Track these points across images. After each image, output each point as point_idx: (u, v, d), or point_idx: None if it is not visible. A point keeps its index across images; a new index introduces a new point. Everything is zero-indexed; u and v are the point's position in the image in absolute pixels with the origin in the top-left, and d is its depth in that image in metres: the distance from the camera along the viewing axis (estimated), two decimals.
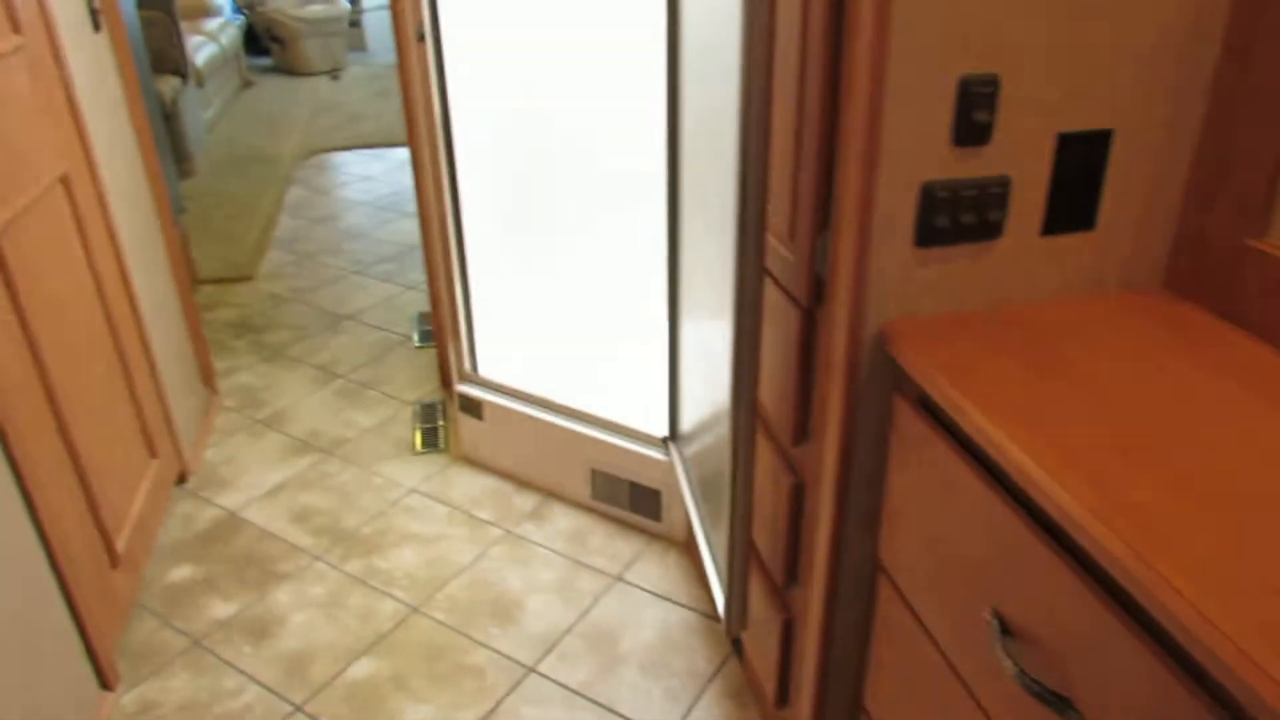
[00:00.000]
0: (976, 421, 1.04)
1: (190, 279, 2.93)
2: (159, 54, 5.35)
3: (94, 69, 2.38)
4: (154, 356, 2.50)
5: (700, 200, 1.79)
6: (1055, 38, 1.15)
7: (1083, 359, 1.15)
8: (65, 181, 2.08)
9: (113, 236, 2.31)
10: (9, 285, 1.76)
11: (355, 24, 8.79)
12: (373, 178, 5.47)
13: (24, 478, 1.72)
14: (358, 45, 8.89)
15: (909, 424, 1.24)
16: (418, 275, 4.07)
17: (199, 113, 5.97)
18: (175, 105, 5.30)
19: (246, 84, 7.75)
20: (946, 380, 1.12)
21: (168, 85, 5.28)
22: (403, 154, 5.91)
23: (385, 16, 9.11)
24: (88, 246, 2.15)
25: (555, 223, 2.93)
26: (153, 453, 2.42)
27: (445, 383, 3.10)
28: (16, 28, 1.92)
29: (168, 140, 4.59)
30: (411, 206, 4.92)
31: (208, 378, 3.02)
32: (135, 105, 2.62)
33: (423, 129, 2.56)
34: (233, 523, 2.45)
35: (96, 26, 2.45)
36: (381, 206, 4.95)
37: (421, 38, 2.22)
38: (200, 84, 6.15)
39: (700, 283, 1.87)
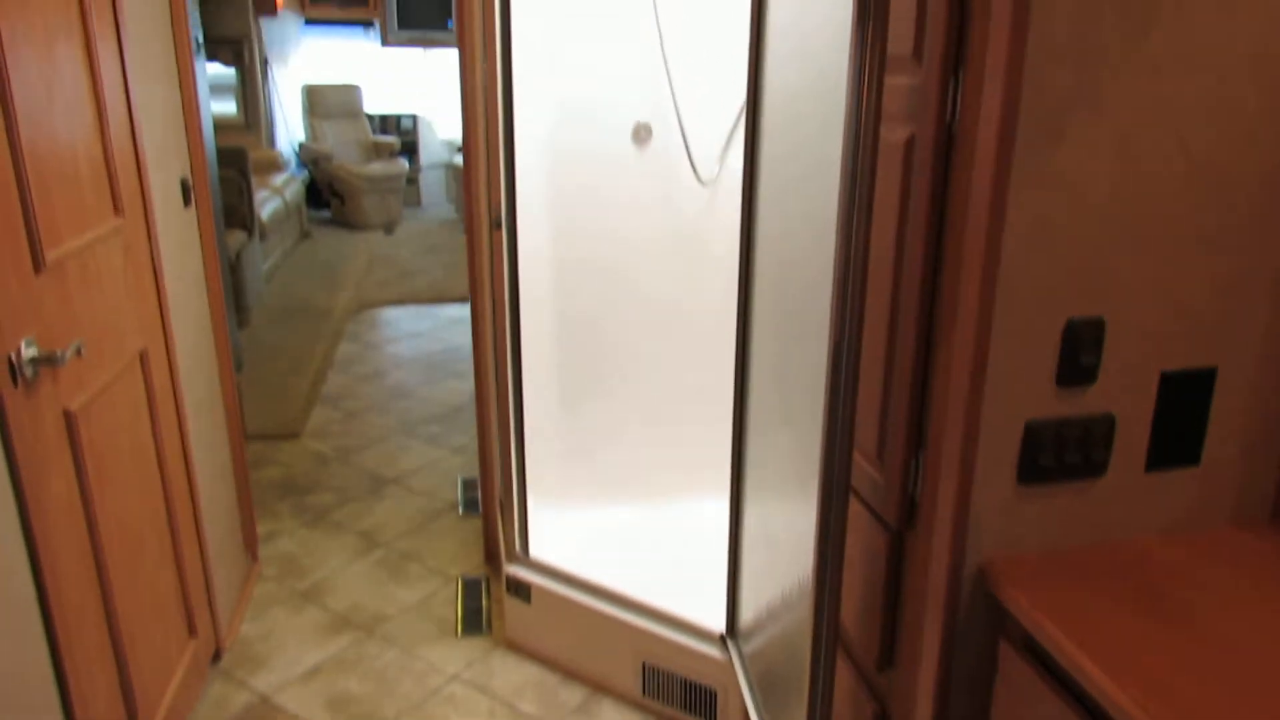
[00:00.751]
0: (1099, 683, 0.97)
1: (243, 439, 2.94)
2: (229, 210, 5.60)
3: (180, 242, 2.47)
4: (204, 528, 2.48)
5: (772, 386, 1.77)
6: (1160, 278, 1.14)
7: (1201, 605, 1.09)
8: (143, 357, 2.11)
9: (179, 410, 2.33)
10: (79, 466, 1.77)
11: (412, 181, 9.21)
12: (422, 334, 5.57)
13: (62, 659, 1.67)
14: (412, 201, 9.29)
15: (1017, 673, 1.16)
16: (463, 438, 4.07)
17: (259, 264, 6.18)
18: (239, 259, 5.50)
19: (305, 235, 8.06)
20: (1059, 630, 1.06)
21: (234, 239, 5.50)
22: (452, 311, 6.04)
23: (441, 174, 9.54)
24: (156, 421, 2.17)
25: (616, 396, 2.95)
26: (192, 630, 2.36)
27: (490, 557, 3.03)
28: (118, 209, 2.00)
29: (231, 294, 4.75)
30: (459, 366, 4.99)
31: (250, 544, 2.98)
32: (213, 275, 2.71)
33: (488, 315, 2.61)
34: (265, 711, 2.35)
35: (187, 201, 2.56)
36: (430, 365, 5.02)
37: (499, 225, 2.29)
38: (263, 237, 6.40)
39: (769, 470, 1.83)
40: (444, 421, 4.27)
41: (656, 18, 2.58)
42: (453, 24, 8.78)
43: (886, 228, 1.30)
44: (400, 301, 6.26)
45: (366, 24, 8.91)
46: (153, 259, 2.20)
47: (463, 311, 6.05)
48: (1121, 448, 1.22)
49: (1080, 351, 1.13)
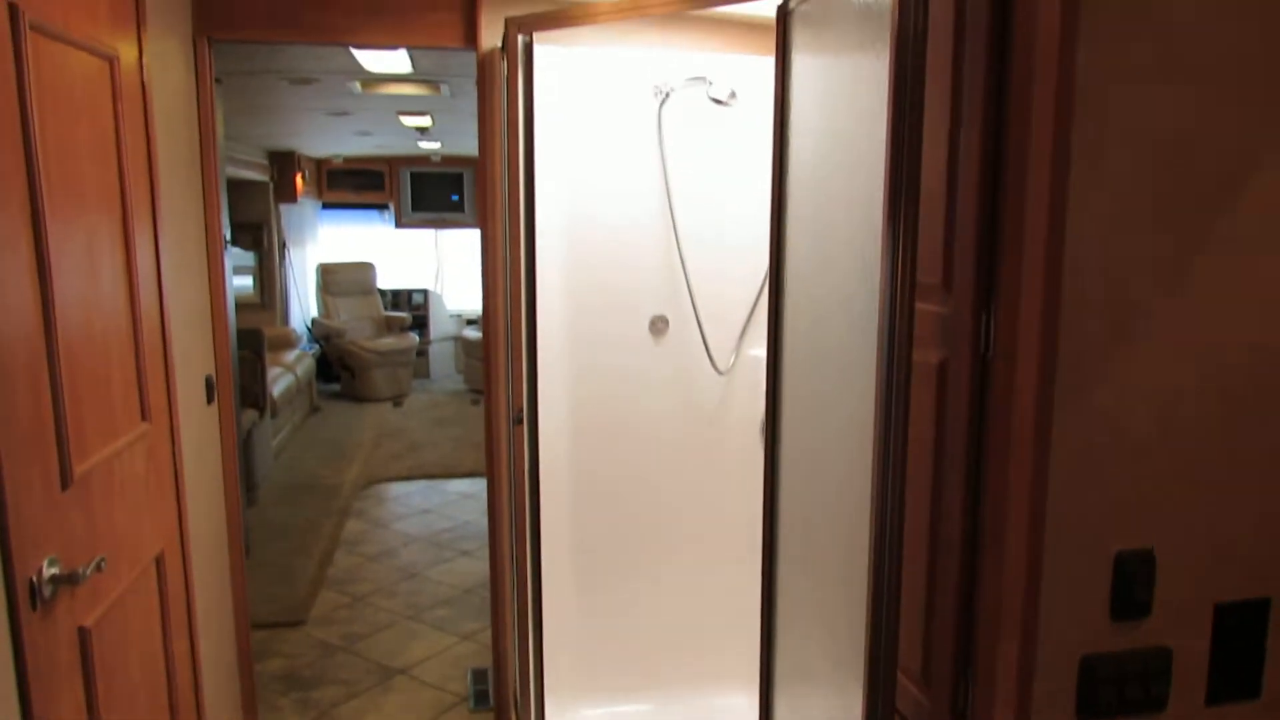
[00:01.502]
0: None
1: (249, 632, 2.85)
2: (243, 390, 5.66)
3: (200, 440, 2.48)
4: None
5: (803, 578, 1.72)
6: (1207, 510, 1.13)
7: None
8: (159, 561, 2.08)
9: (191, 612, 2.28)
10: (89, 686, 1.70)
11: (422, 353, 9.37)
12: (431, 510, 5.52)
13: None
14: (422, 373, 9.41)
15: None
16: (473, 623, 3.95)
17: (269, 442, 6.20)
18: (250, 437, 5.51)
19: (315, 409, 8.13)
20: None
21: (246, 418, 5.53)
22: (461, 486, 6.01)
23: (450, 347, 9.71)
24: (167, 627, 2.11)
25: (636, 587, 2.88)
26: None
27: None
28: (145, 414, 2.02)
29: (242, 474, 4.74)
30: (468, 544, 4.91)
31: None
32: (230, 471, 2.71)
33: (505, 502, 2.60)
34: None
35: (210, 399, 2.59)
36: (438, 543, 4.94)
37: (519, 421, 2.31)
38: (274, 414, 6.45)
39: (802, 672, 1.76)
40: (453, 605, 4.15)
41: (672, 216, 2.69)
42: (459, 201, 9.20)
43: (922, 451, 1.30)
44: (409, 477, 6.23)
45: (381, 207, 9.31)
46: (174, 462, 2.20)
47: (472, 486, 6.01)
48: (1180, 681, 1.17)
49: (1133, 584, 1.11)
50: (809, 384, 1.63)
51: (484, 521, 5.44)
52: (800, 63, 1.67)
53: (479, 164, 2.68)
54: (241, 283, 8.17)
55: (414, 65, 3.81)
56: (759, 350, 2.78)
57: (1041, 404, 1.04)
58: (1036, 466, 1.06)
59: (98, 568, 1.66)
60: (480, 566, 4.57)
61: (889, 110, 1.14)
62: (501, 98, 2.51)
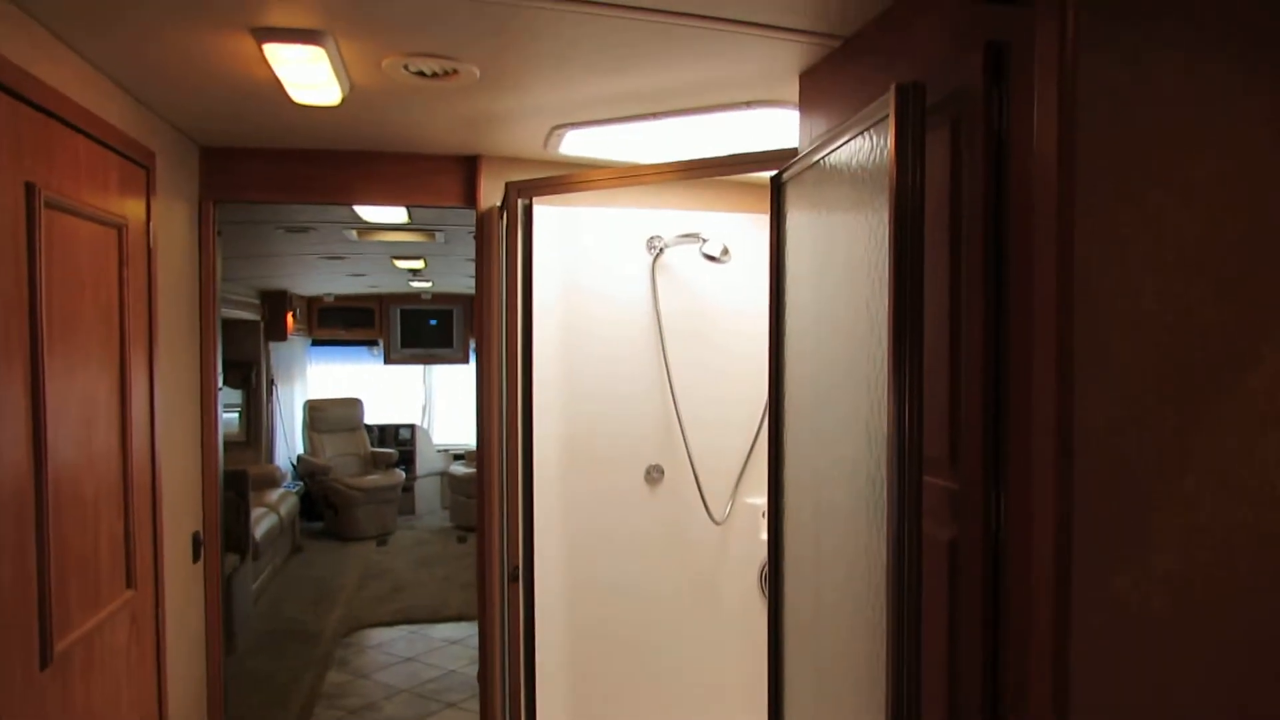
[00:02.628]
0: None
1: None
2: (226, 533, 5.53)
3: (185, 598, 2.40)
4: None
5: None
6: (1229, 688, 1.10)
7: None
8: None
9: None
10: None
11: (408, 489, 9.24)
12: (415, 659, 5.32)
13: None
14: (407, 509, 9.26)
15: None
16: None
17: (249, 586, 6.02)
18: (230, 582, 5.35)
19: (297, 549, 7.94)
20: None
21: (227, 563, 5.38)
22: (446, 631, 5.81)
23: (436, 483, 9.60)
24: None
25: None
26: None
27: None
28: (131, 582, 1.96)
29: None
30: (454, 695, 4.71)
31: None
32: (214, 630, 2.61)
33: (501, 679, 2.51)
34: None
35: (196, 557, 2.53)
36: (424, 694, 4.74)
37: (514, 578, 2.26)
38: (256, 557, 6.29)
39: None
40: None
41: (666, 366, 2.72)
42: (449, 337, 9.28)
43: (937, 629, 1.27)
44: (393, 621, 6.03)
45: (371, 343, 9.37)
46: (157, 630, 2.13)
47: (458, 631, 5.82)
48: None
49: None
50: (813, 547, 1.61)
51: (471, 670, 5.24)
52: (795, 223, 1.73)
53: (475, 313, 2.72)
54: (228, 418, 8.12)
55: (410, 215, 3.91)
56: (755, 498, 2.75)
57: (1060, 588, 1.02)
58: (1057, 652, 1.03)
59: None
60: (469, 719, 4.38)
61: (890, 265, 1.17)
62: (500, 253, 2.57)
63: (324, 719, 4.47)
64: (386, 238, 4.64)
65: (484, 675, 2.68)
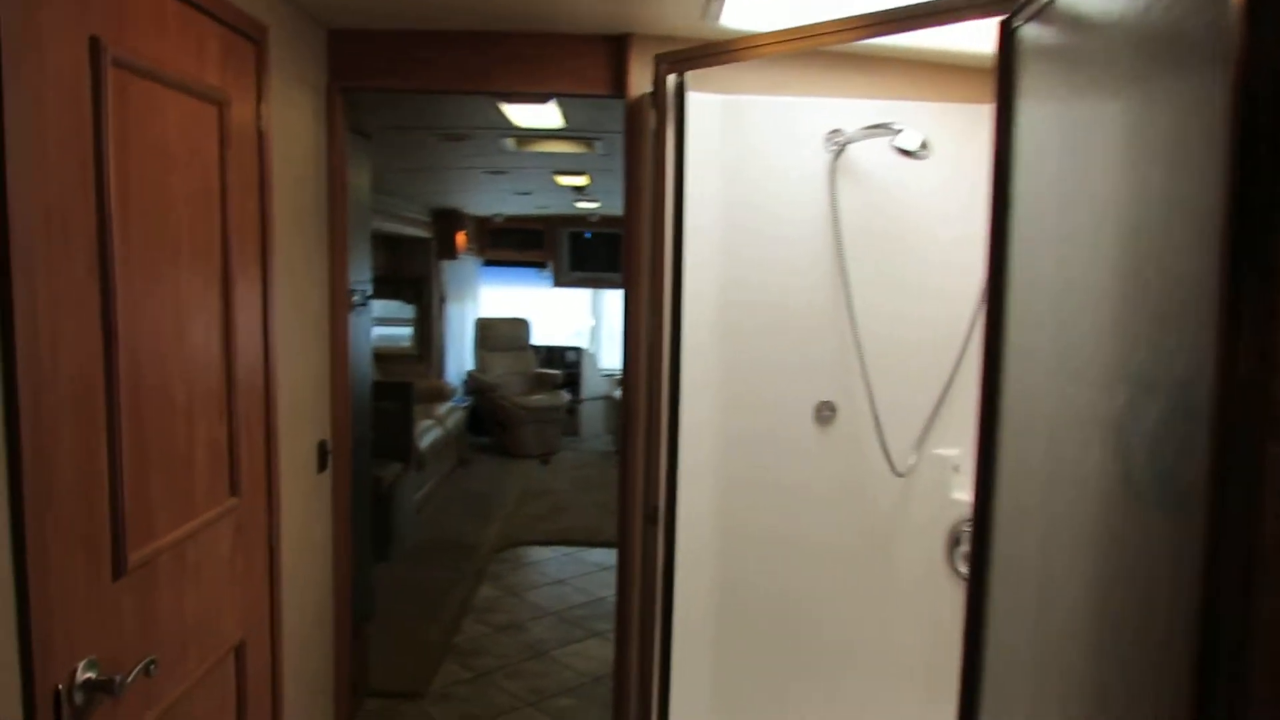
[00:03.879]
0: None
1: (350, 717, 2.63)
2: (389, 442, 5.63)
3: (307, 511, 2.30)
4: None
5: None
6: None
7: None
8: (239, 651, 1.88)
9: (278, 706, 2.06)
10: None
11: (572, 411, 9.26)
12: (566, 582, 5.26)
13: None
14: (571, 431, 9.29)
15: None
16: (600, 717, 3.62)
17: (412, 496, 6.14)
18: (391, 490, 5.45)
19: (463, 462, 8.11)
20: None
21: (388, 471, 5.48)
22: (600, 556, 5.73)
23: (600, 407, 9.57)
24: None
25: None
26: None
27: None
28: (235, 489, 1.83)
29: (371, 532, 4.63)
30: (602, 624, 4.60)
31: None
32: (341, 542, 2.52)
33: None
34: None
35: (323, 466, 2.42)
36: (570, 620, 4.66)
37: (652, 520, 1.99)
38: (420, 467, 6.42)
39: None
40: (579, 695, 3.84)
41: (846, 287, 2.34)
42: (616, 262, 9.12)
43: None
44: (549, 541, 6.02)
45: (540, 266, 9.35)
46: (269, 539, 2.01)
47: (612, 557, 5.71)
48: None
49: None
50: (1041, 524, 1.23)
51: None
52: (1034, 91, 1.30)
53: (625, 222, 2.42)
54: (400, 333, 8.34)
55: (565, 120, 3.65)
56: (947, 449, 2.34)
57: None
58: None
59: (145, 671, 1.45)
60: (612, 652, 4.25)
61: (1230, 159, 0.76)
62: (649, 149, 2.25)
63: (470, 632, 4.47)
64: (544, 148, 4.41)
65: (621, 615, 2.46)
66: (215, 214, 1.73)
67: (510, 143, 4.26)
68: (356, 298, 3.03)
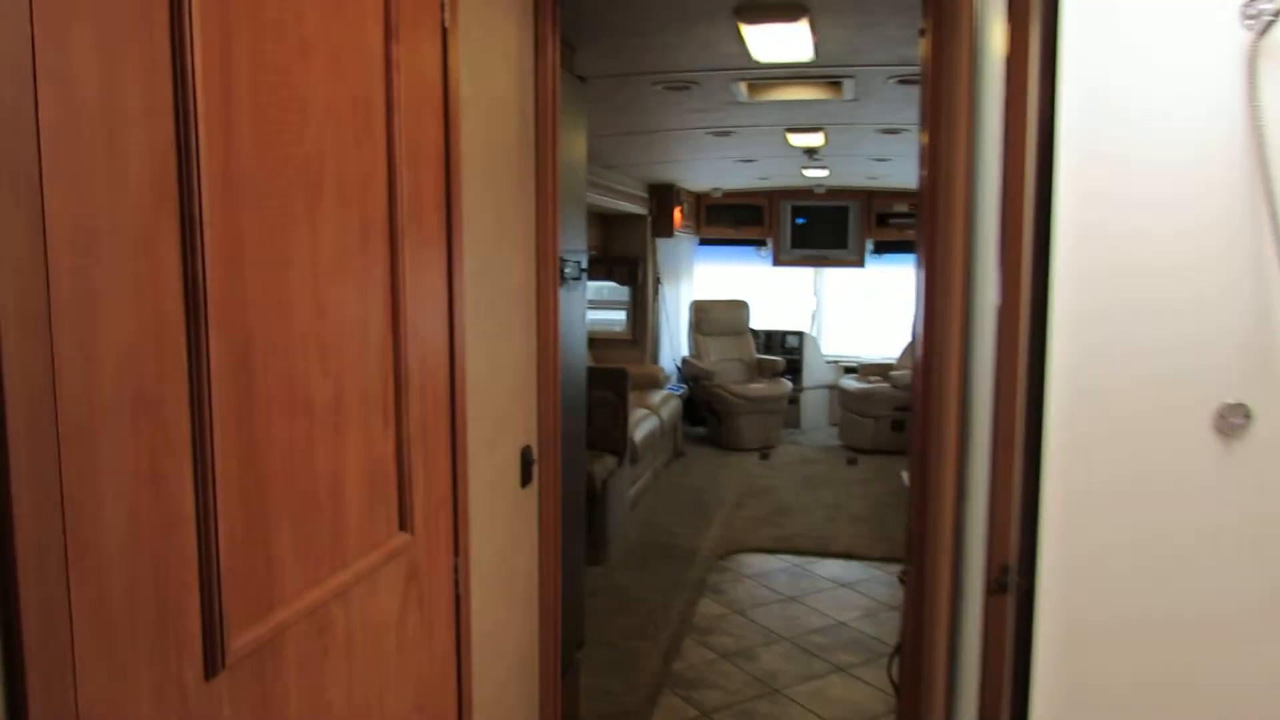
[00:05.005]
0: None
1: None
2: (602, 434, 5.20)
3: (505, 536, 1.79)
4: None
5: None
6: None
7: None
8: None
9: None
10: None
11: (793, 401, 8.55)
12: (798, 599, 4.61)
13: None
14: (791, 422, 8.60)
15: None
16: None
17: (625, 490, 5.70)
18: (604, 488, 5.01)
19: (678, 454, 7.63)
20: None
21: (601, 466, 5.05)
22: (834, 569, 5.04)
23: (824, 396, 8.81)
24: None
25: None
26: None
27: None
28: (406, 523, 1.33)
29: (584, 533, 4.19)
30: (844, 656, 3.92)
31: None
32: (549, 571, 2.01)
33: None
34: None
35: (526, 479, 1.91)
36: (808, 648, 4.01)
37: (1001, 588, 1.31)
38: (634, 461, 5.97)
39: None
40: None
41: (1276, 225, 1.53)
42: (843, 237, 8.28)
43: None
44: (774, 549, 5.38)
45: (759, 243, 8.72)
46: (455, 584, 1.50)
47: (847, 571, 5.03)
48: None
49: None
50: None
51: (864, 625, 4.40)
52: None
53: (923, 154, 1.74)
54: (613, 317, 7.97)
55: (816, 51, 2.98)
56: None
57: None
58: None
59: None
60: (863, 695, 3.57)
61: None
62: (969, 46, 1.56)
63: (691, 657, 3.92)
64: (781, 95, 3.75)
65: (909, 674, 1.79)
66: (376, 136, 1.22)
67: (742, 89, 3.63)
68: (569, 269, 2.52)
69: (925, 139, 1.79)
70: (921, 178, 1.87)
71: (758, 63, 3.13)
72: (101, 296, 0.77)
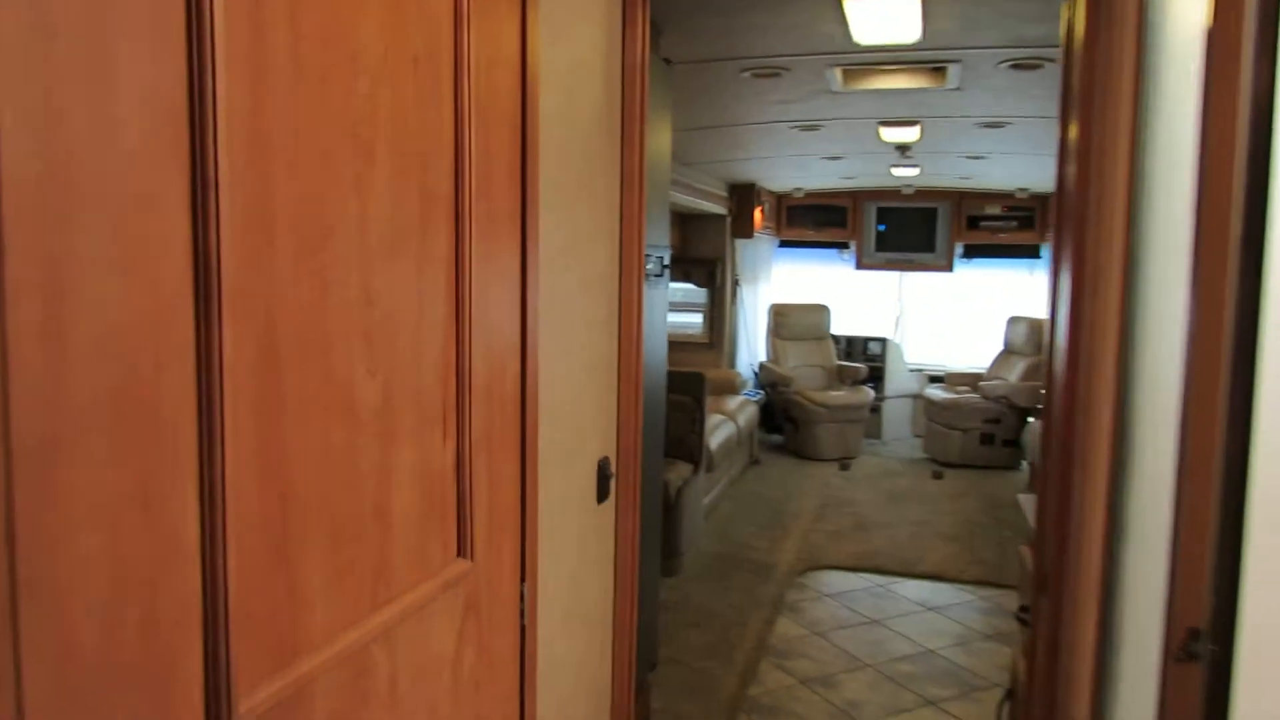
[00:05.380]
0: None
1: None
2: (677, 441, 4.99)
3: (580, 558, 1.60)
4: None
5: None
6: None
7: None
8: None
9: None
10: None
11: (875, 409, 8.22)
12: (882, 623, 4.33)
13: None
14: (872, 431, 8.26)
15: None
16: None
17: (700, 499, 5.49)
18: (679, 496, 4.81)
19: (754, 461, 7.38)
20: None
21: (676, 473, 4.84)
22: (919, 591, 4.74)
23: (907, 406, 8.46)
24: None
25: None
26: None
27: None
28: (465, 548, 1.14)
29: (659, 545, 4.00)
30: (934, 688, 3.64)
31: None
32: (625, 600, 1.81)
33: None
34: None
35: (603, 495, 1.71)
36: (894, 678, 3.74)
37: (1190, 655, 1.07)
38: (710, 469, 5.75)
39: None
40: None
41: None
42: (931, 240, 7.90)
43: None
44: (855, 566, 5.10)
45: (841, 246, 8.42)
46: (521, 615, 1.32)
47: (935, 594, 4.72)
48: None
49: None
50: None
51: (953, 654, 4.10)
52: None
53: (1068, 147, 1.49)
54: (690, 320, 7.76)
55: (923, 31, 2.73)
56: None
57: None
58: None
59: None
60: None
61: None
62: (1143, 4, 1.31)
63: (769, 682, 3.68)
64: (878, 84, 3.50)
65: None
66: (442, 99, 1.04)
67: (837, 76, 3.39)
68: (651, 265, 2.32)
69: (1074, 131, 1.54)
70: (1065, 174, 1.63)
71: (857, 45, 2.89)
72: (77, 270, 0.60)
